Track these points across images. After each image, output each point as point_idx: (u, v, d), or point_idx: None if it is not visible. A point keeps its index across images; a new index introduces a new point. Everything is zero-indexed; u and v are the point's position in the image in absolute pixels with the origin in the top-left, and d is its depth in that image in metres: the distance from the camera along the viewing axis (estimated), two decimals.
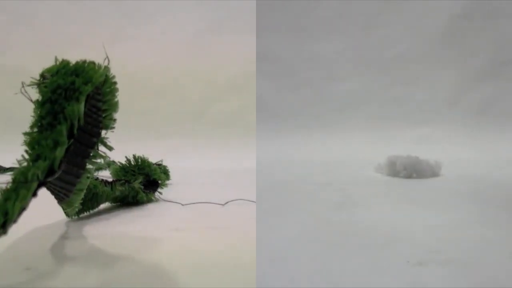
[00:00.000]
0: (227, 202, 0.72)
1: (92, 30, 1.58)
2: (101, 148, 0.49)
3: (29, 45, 1.59)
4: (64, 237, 0.53)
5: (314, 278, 0.39)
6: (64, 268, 0.42)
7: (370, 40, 1.49)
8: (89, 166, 0.47)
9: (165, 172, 0.93)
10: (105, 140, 0.49)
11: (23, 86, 0.42)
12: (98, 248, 0.49)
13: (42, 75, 0.43)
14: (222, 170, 1.22)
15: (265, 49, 1.50)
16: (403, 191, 0.81)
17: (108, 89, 0.46)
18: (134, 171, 0.77)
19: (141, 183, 0.73)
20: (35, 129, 0.40)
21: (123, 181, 0.69)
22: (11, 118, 1.48)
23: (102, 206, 0.66)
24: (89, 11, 1.61)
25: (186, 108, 1.64)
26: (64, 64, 0.43)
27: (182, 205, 0.71)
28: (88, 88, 0.41)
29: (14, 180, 0.36)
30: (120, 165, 0.80)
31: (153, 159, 0.88)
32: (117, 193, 0.66)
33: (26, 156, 0.39)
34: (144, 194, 0.72)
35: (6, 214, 0.33)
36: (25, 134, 0.41)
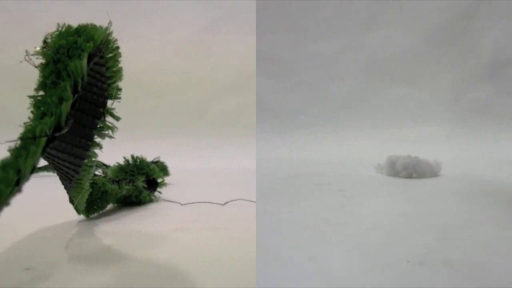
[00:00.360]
0: (227, 202, 0.72)
1: None
2: (108, 119, 0.48)
3: (29, 45, 1.59)
4: (73, 236, 0.53)
5: (314, 278, 0.39)
6: (68, 267, 0.42)
7: (370, 40, 1.49)
8: (96, 138, 0.46)
9: (163, 169, 0.93)
10: (111, 110, 0.48)
11: (26, 55, 0.43)
12: (107, 247, 0.49)
13: (45, 41, 0.43)
14: (222, 170, 1.22)
15: (265, 49, 1.50)
16: (403, 191, 0.81)
17: (111, 55, 0.46)
18: (133, 171, 0.77)
19: (144, 181, 0.73)
20: (40, 91, 0.41)
21: (128, 180, 0.69)
22: (11, 117, 1.48)
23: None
24: (89, 11, 1.61)
25: (186, 108, 1.64)
26: (66, 27, 0.44)
27: (181, 204, 0.71)
28: (90, 45, 0.41)
29: (22, 138, 0.36)
30: (119, 166, 0.79)
31: (152, 158, 0.88)
32: (124, 192, 0.66)
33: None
34: (147, 194, 0.72)
35: (19, 171, 0.33)
36: (30, 97, 0.41)
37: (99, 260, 0.45)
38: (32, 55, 0.43)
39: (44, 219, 0.60)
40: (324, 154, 1.28)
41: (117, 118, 0.47)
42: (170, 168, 1.00)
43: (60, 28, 0.44)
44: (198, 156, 1.46)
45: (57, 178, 0.51)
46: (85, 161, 0.47)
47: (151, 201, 0.73)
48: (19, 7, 1.64)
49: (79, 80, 0.40)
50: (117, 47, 0.46)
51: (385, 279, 0.39)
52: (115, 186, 0.63)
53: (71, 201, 0.55)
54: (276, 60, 1.51)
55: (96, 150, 0.49)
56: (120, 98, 0.48)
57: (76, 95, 0.39)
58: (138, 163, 0.78)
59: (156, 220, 0.63)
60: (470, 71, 1.44)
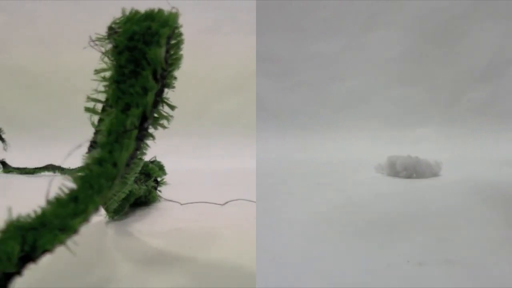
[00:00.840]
0: (226, 202, 0.72)
1: (92, 30, 1.58)
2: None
3: (29, 45, 1.60)
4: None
5: (314, 278, 0.39)
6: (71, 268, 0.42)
7: (370, 40, 1.49)
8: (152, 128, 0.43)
9: (161, 168, 0.93)
10: (166, 100, 0.45)
11: (91, 40, 0.40)
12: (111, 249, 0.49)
13: (110, 28, 0.41)
14: (222, 170, 1.22)
15: (265, 49, 1.50)
16: (403, 191, 0.81)
17: (174, 41, 0.43)
18: None
19: (154, 181, 0.73)
20: (114, 80, 0.39)
21: (143, 179, 0.68)
22: (11, 117, 1.48)
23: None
24: (89, 11, 1.61)
25: (186, 108, 1.64)
26: (134, 12, 0.41)
27: (181, 204, 0.71)
28: (166, 31, 0.39)
29: (110, 132, 0.35)
30: None
31: (150, 158, 0.88)
32: (141, 191, 0.65)
33: (110, 110, 0.37)
34: (155, 194, 0.72)
35: (115, 165, 0.33)
36: (105, 86, 0.39)
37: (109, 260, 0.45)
38: (98, 41, 0.41)
39: None
40: (324, 154, 1.28)
41: (173, 107, 0.44)
42: (170, 168, 1.00)
43: (125, 15, 0.41)
44: (198, 156, 1.46)
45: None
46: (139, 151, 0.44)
47: (156, 200, 0.73)
48: (19, 7, 1.64)
49: (158, 69, 0.38)
50: (181, 33, 0.43)
51: (385, 279, 0.39)
52: (136, 186, 0.63)
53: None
54: (276, 60, 1.51)
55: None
56: (175, 87, 0.44)
57: (160, 84, 0.38)
58: None
59: (156, 220, 0.63)
60: (470, 71, 1.44)
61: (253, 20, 1.50)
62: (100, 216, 0.60)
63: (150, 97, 0.37)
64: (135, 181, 0.64)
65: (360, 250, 0.46)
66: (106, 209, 0.57)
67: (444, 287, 0.37)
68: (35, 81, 1.54)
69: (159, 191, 0.78)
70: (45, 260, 0.31)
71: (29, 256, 0.29)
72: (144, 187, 0.67)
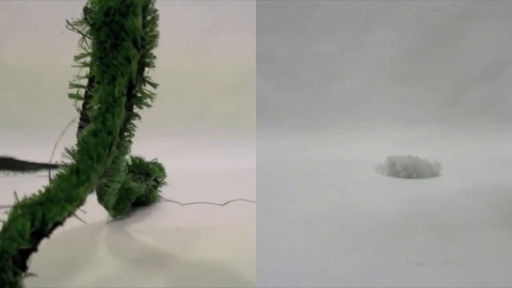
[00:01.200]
0: (227, 202, 0.72)
1: None
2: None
3: (29, 45, 1.59)
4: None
5: (314, 278, 0.39)
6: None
7: (370, 40, 1.49)
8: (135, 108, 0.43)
9: (161, 170, 0.93)
10: (148, 78, 0.44)
11: (68, 23, 0.41)
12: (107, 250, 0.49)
13: (85, 8, 0.42)
14: (222, 170, 1.22)
15: (265, 49, 1.50)
16: (403, 191, 0.81)
17: (149, 17, 0.43)
18: (133, 171, 0.77)
19: (155, 181, 0.72)
20: (97, 58, 0.39)
21: (142, 179, 0.68)
22: (11, 117, 1.48)
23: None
24: None
25: (186, 108, 1.64)
26: None
27: (181, 204, 0.71)
28: (141, 1, 0.39)
29: (101, 102, 0.36)
30: None
31: (151, 158, 0.88)
32: (142, 190, 0.65)
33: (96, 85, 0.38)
34: (156, 194, 0.72)
35: (110, 133, 0.35)
36: (88, 63, 0.40)
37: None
38: (74, 24, 0.41)
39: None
40: (324, 154, 1.28)
41: (155, 85, 0.44)
42: (170, 168, 1.00)
43: None
44: (198, 156, 1.46)
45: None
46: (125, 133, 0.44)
47: (156, 201, 0.73)
48: (19, 7, 1.64)
49: (138, 37, 0.38)
50: (156, 10, 0.44)
51: (385, 279, 0.39)
52: (136, 184, 0.63)
53: (100, 198, 0.53)
54: (276, 60, 1.51)
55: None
56: (155, 66, 0.44)
57: (141, 52, 0.39)
58: (137, 163, 0.78)
59: (156, 220, 0.63)
60: (470, 71, 1.44)
61: (253, 20, 1.50)
62: (104, 217, 0.60)
63: (134, 65, 0.38)
64: (135, 180, 0.64)
65: (360, 250, 0.46)
66: (106, 206, 0.57)
67: (444, 287, 0.37)
68: (35, 81, 1.54)
69: (159, 191, 0.78)
70: (42, 259, 0.31)
71: (41, 231, 0.30)
72: (145, 186, 0.67)
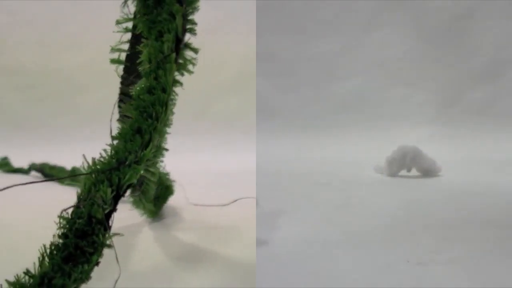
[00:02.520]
0: (226, 204, 0.72)
1: (92, 30, 1.58)
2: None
3: (29, 45, 1.59)
4: None
5: (314, 278, 0.39)
6: None
7: (370, 40, 1.49)
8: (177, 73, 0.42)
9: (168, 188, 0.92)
10: (189, 44, 0.43)
11: None
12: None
13: None
14: (222, 170, 1.22)
15: (265, 49, 1.50)
16: (403, 191, 0.81)
17: None
18: None
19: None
20: (143, 14, 0.40)
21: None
22: (11, 117, 1.48)
23: None
24: (89, 11, 1.61)
25: (186, 107, 1.63)
26: None
27: (181, 205, 0.71)
28: None
29: (150, 60, 0.37)
30: None
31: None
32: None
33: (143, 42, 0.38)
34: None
35: (164, 90, 0.35)
36: (133, 20, 0.41)
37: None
38: None
39: None
40: (324, 154, 1.28)
41: (196, 51, 0.43)
42: (170, 168, 1.00)
43: None
44: (198, 156, 1.45)
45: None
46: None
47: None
48: (19, 7, 1.64)
49: None
50: None
51: (385, 279, 0.39)
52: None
53: (139, 188, 0.51)
54: (276, 60, 1.51)
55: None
56: (196, 33, 0.43)
57: (184, 6, 0.39)
58: None
59: (156, 220, 0.63)
60: (470, 71, 1.44)
61: (253, 20, 1.50)
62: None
63: (179, 20, 0.38)
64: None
65: (359, 250, 0.46)
66: (145, 199, 0.54)
67: (444, 287, 0.37)
68: (35, 81, 1.54)
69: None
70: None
71: (118, 193, 0.33)
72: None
